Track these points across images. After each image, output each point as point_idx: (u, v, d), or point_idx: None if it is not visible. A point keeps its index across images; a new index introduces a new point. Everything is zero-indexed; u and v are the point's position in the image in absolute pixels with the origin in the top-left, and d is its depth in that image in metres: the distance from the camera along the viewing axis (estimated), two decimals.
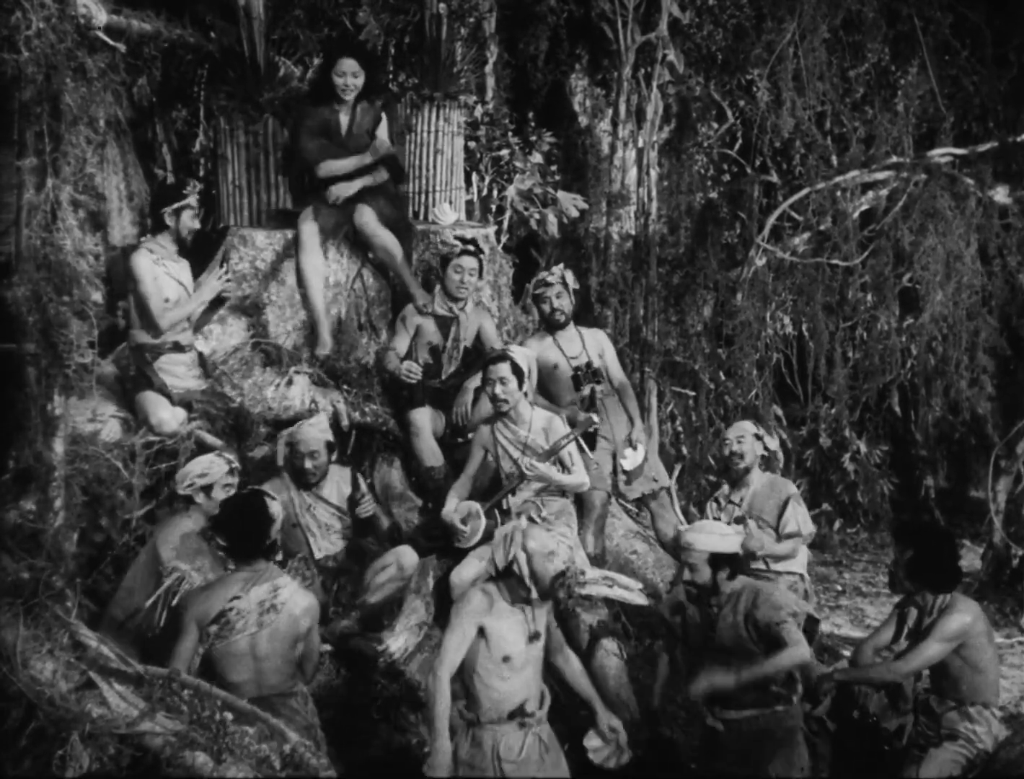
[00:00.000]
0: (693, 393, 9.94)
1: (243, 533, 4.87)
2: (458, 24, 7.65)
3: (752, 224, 10.00)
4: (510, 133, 8.90)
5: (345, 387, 6.63)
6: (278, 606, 4.75)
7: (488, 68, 9.31)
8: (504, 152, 8.81)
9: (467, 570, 5.79)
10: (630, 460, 6.72)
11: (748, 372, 9.84)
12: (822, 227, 9.91)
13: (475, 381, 6.50)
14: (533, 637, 4.72)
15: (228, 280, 6.49)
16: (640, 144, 9.72)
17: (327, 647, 5.43)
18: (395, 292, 7.18)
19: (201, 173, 8.30)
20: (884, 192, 9.91)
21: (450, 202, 7.65)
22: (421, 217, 7.62)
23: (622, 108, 9.79)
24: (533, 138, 9.10)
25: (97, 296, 5.19)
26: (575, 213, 9.25)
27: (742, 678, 4.83)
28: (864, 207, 10.00)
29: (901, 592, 5.41)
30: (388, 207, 6.95)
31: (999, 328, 9.99)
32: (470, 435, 6.37)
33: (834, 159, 9.94)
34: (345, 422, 6.52)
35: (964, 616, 5.02)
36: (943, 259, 9.59)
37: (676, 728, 5.44)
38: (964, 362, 9.86)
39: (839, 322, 10.12)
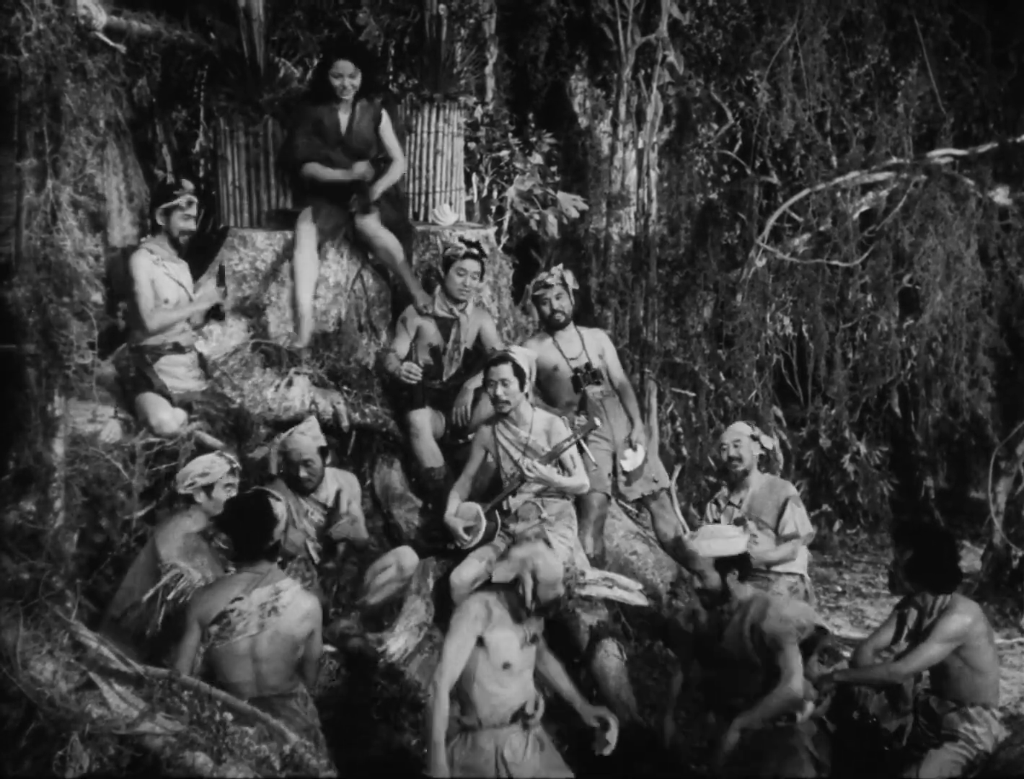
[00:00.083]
0: (693, 394, 9.94)
1: (247, 533, 4.87)
2: (458, 25, 7.65)
3: (752, 225, 10.00)
4: (510, 134, 8.90)
5: (345, 388, 6.62)
6: (279, 609, 4.74)
7: (488, 69, 9.31)
8: (504, 153, 8.82)
9: (467, 571, 5.79)
10: (630, 461, 6.73)
11: (748, 373, 9.84)
12: (822, 228, 9.91)
13: (475, 382, 6.49)
14: (531, 640, 4.72)
15: (225, 295, 6.47)
16: (640, 145, 9.72)
17: (328, 647, 5.43)
18: (395, 293, 7.18)
19: (201, 174, 8.30)
20: (884, 193, 9.91)
21: (450, 203, 7.65)
22: (421, 218, 7.62)
23: (622, 109, 9.80)
24: (533, 139, 9.10)
25: (97, 297, 5.20)
26: (575, 214, 9.25)
27: (736, 726, 4.84)
28: (864, 208, 10.01)
29: (901, 593, 5.41)
30: (388, 208, 6.95)
31: (999, 329, 10.00)
32: (470, 436, 6.37)
33: (834, 160, 9.94)
34: (345, 423, 6.52)
35: (964, 617, 5.01)
36: (943, 260, 9.60)
37: (677, 732, 5.41)
38: (964, 363, 9.86)
39: (839, 323, 10.12)
